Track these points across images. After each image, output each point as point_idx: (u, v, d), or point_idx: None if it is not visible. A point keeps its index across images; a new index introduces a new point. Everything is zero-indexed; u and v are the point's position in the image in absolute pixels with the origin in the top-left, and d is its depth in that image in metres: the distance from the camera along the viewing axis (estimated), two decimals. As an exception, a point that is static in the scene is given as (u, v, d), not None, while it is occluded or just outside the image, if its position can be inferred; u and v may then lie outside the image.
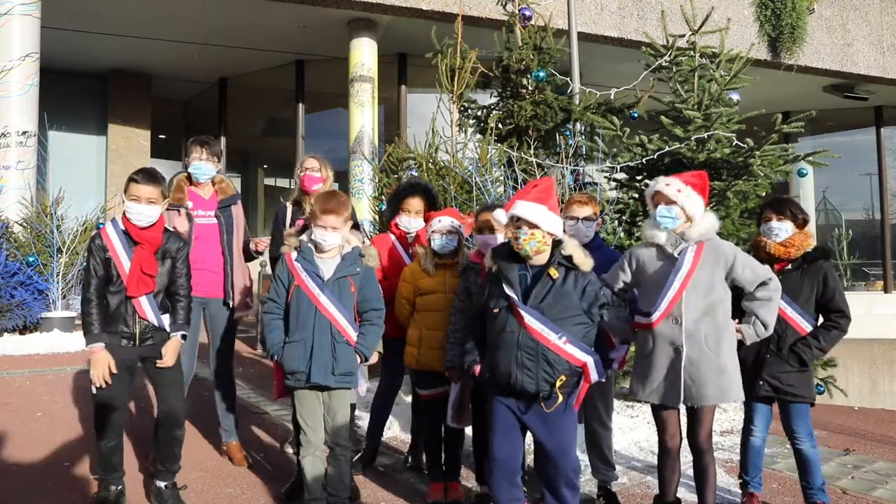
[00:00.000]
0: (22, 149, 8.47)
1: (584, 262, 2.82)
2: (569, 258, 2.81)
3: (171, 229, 3.41)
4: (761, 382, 3.29)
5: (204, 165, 3.93)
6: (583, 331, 2.80)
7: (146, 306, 3.19)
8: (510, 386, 2.75)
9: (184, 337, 3.32)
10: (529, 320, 2.72)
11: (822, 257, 3.32)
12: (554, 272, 2.77)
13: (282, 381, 3.29)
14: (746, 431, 3.52)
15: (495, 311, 2.81)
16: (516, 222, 2.80)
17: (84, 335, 3.17)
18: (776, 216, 3.31)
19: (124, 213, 3.19)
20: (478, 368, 2.92)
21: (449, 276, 3.52)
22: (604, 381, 2.92)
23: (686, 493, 3.43)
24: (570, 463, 2.79)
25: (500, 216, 2.90)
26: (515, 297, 2.76)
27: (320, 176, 4.11)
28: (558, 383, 2.71)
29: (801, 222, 3.32)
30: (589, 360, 2.76)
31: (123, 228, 3.20)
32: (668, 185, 3.05)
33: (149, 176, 3.19)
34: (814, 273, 3.28)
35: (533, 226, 2.76)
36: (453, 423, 3.44)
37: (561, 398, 2.73)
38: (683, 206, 3.01)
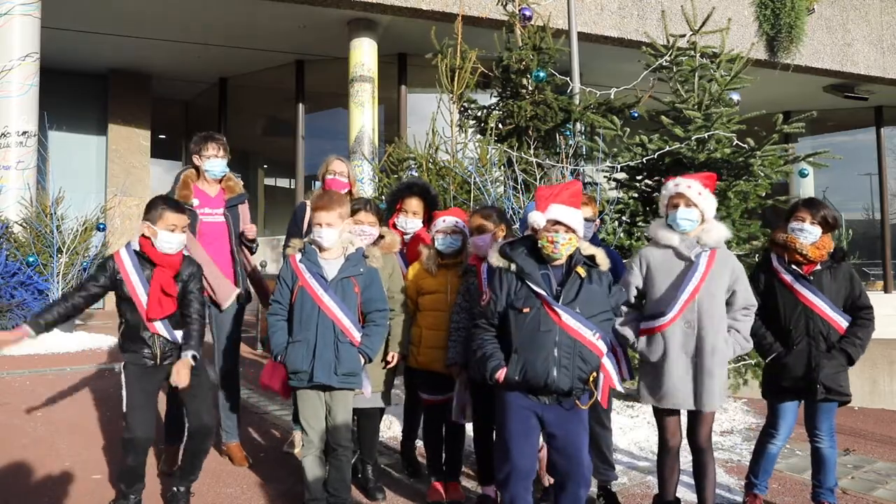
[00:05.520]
0: (22, 149, 8.47)
1: (604, 261, 2.86)
2: (591, 258, 2.83)
3: (187, 253, 3.37)
4: (820, 388, 3.22)
5: (220, 162, 3.91)
6: (607, 326, 2.85)
7: (162, 330, 3.19)
8: (546, 386, 2.71)
9: (194, 358, 3.24)
10: (566, 318, 2.71)
11: (846, 258, 3.37)
12: (581, 271, 2.79)
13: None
14: (767, 435, 3.44)
15: (525, 310, 2.76)
16: (554, 226, 2.77)
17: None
18: (811, 218, 3.25)
19: (143, 237, 3.18)
20: (502, 373, 2.77)
21: (451, 277, 3.52)
22: (622, 390, 2.96)
23: (686, 493, 3.43)
24: (585, 459, 2.81)
25: (537, 218, 2.80)
26: (547, 296, 2.75)
27: (348, 181, 4.12)
28: (591, 378, 2.75)
29: (829, 228, 3.30)
30: (605, 357, 2.80)
31: (137, 249, 3.20)
32: (689, 187, 3.06)
33: (177, 204, 3.27)
34: (842, 274, 3.31)
35: (570, 230, 2.77)
36: (461, 419, 3.44)
37: (596, 393, 2.77)
38: (704, 210, 3.05)
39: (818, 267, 3.27)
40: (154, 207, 3.19)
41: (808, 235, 3.25)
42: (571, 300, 2.74)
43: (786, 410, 3.38)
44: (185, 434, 3.44)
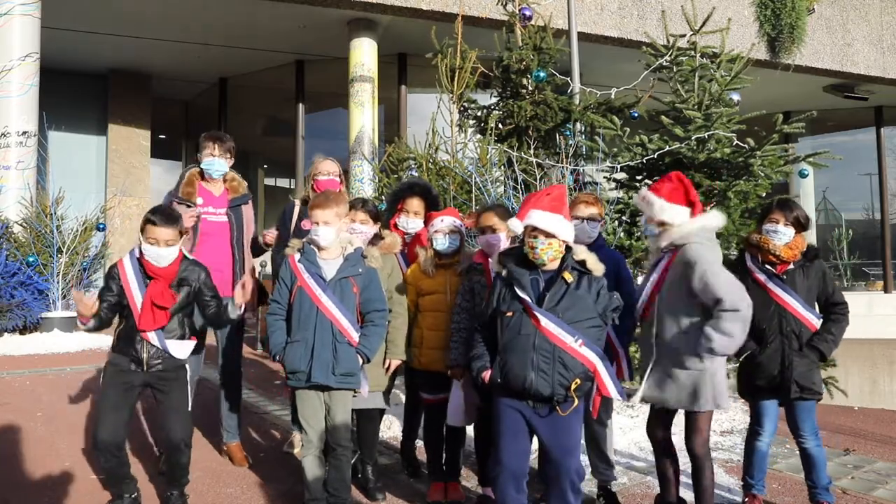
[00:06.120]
0: (22, 149, 8.47)
1: (597, 267, 2.83)
2: (582, 263, 2.82)
3: (191, 257, 3.35)
4: (794, 386, 3.26)
5: (217, 161, 3.92)
6: (596, 334, 2.81)
7: (154, 338, 3.17)
8: (524, 390, 2.73)
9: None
10: (546, 323, 2.71)
11: (818, 256, 3.40)
12: (568, 276, 2.78)
13: None
14: (753, 434, 3.47)
15: (508, 313, 2.79)
16: (532, 232, 2.78)
17: None
18: (784, 220, 3.30)
19: (141, 249, 3.18)
20: (488, 374, 2.86)
21: (450, 276, 3.52)
22: (622, 399, 2.93)
23: (688, 494, 3.42)
24: (574, 466, 2.79)
25: (515, 225, 2.86)
26: (530, 301, 2.75)
27: (339, 181, 4.13)
28: (573, 386, 2.71)
29: (802, 228, 3.35)
30: (598, 363, 2.75)
31: (138, 256, 3.20)
32: (643, 199, 3.14)
33: (166, 218, 3.16)
34: (814, 272, 3.35)
35: (550, 235, 2.76)
36: (459, 423, 3.44)
37: (577, 401, 2.75)
38: (653, 216, 3.09)
39: (791, 266, 3.32)
40: (145, 217, 3.16)
41: (781, 237, 3.31)
42: (554, 305, 2.75)
43: (766, 408, 3.42)
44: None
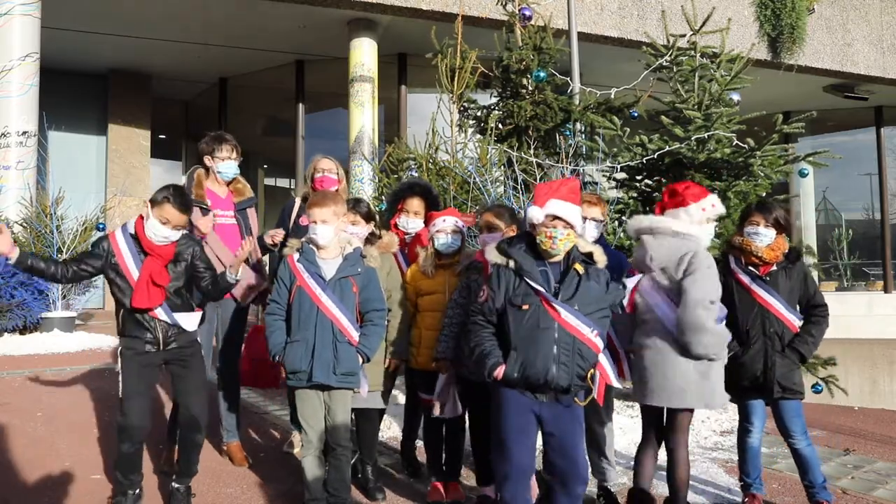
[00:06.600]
0: (22, 149, 8.47)
1: (602, 259, 2.88)
2: (588, 255, 2.84)
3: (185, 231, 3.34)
4: (776, 387, 3.30)
5: (233, 164, 3.94)
6: (606, 323, 2.86)
7: (162, 314, 3.17)
8: (546, 383, 2.71)
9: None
10: (566, 315, 2.71)
11: (800, 258, 3.44)
12: (579, 268, 2.80)
13: (249, 370, 3.34)
14: (744, 432, 3.53)
15: (524, 307, 2.76)
16: (552, 221, 2.78)
17: None
18: (764, 221, 3.34)
19: (140, 220, 3.16)
20: (501, 370, 2.77)
21: (449, 277, 3.52)
22: (619, 386, 2.99)
23: (692, 496, 3.42)
24: (582, 456, 2.82)
25: (535, 213, 2.80)
26: (546, 293, 2.75)
27: (337, 178, 4.12)
28: (589, 375, 2.75)
29: (782, 229, 3.38)
30: (601, 354, 2.81)
31: (132, 233, 3.17)
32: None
33: (185, 204, 3.17)
34: (797, 273, 3.39)
35: (569, 225, 2.78)
36: (442, 414, 3.45)
37: (593, 390, 2.78)
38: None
39: (774, 268, 3.35)
40: (161, 192, 3.15)
41: (763, 238, 3.33)
42: (570, 297, 2.75)
43: (753, 406, 3.47)
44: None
